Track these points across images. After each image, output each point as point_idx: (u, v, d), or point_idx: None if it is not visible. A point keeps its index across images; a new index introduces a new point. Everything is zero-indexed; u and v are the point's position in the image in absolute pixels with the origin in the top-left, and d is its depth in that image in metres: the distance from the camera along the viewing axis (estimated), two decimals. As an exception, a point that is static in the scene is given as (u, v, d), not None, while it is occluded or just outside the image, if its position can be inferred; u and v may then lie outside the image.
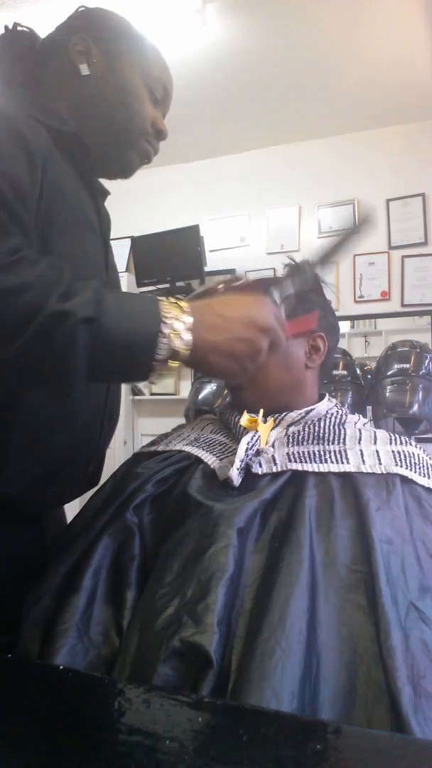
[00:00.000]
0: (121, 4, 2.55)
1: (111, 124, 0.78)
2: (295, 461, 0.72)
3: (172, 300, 0.61)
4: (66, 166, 0.72)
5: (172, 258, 3.20)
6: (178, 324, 0.59)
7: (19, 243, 0.59)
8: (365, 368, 2.62)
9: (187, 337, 0.59)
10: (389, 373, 2.36)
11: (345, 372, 2.45)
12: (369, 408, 2.45)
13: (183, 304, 0.61)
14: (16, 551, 0.75)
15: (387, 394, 2.33)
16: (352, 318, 3.29)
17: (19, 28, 0.82)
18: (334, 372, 2.46)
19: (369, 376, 2.53)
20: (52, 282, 0.56)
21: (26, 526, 0.77)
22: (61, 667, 0.52)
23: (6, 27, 0.81)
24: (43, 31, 0.85)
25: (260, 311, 0.64)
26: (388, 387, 2.34)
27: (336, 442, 0.75)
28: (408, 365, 2.32)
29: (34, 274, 0.56)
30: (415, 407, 2.29)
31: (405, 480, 0.69)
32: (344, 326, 3.30)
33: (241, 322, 0.62)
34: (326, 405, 0.85)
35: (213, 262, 3.31)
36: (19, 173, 0.63)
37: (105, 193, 0.87)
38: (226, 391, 0.92)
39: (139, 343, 0.58)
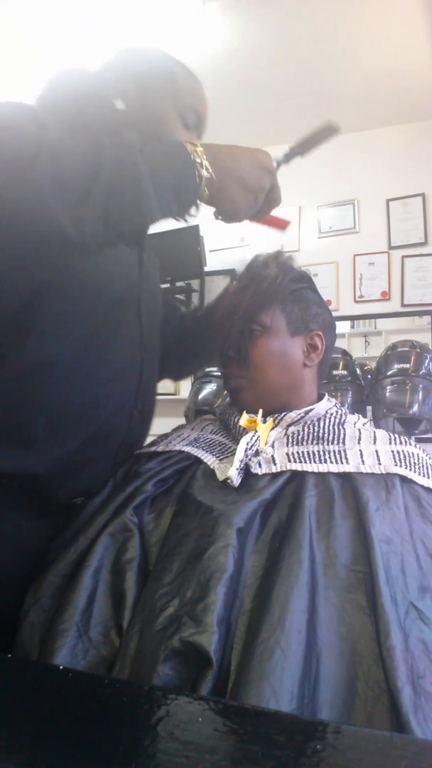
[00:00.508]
0: (121, 4, 2.56)
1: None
2: (295, 461, 0.72)
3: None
4: None
5: (172, 258, 3.20)
6: (199, 157, 0.67)
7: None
8: (365, 368, 2.62)
9: (209, 167, 0.67)
10: (389, 373, 2.36)
11: (345, 372, 2.46)
12: (369, 408, 2.45)
13: (197, 145, 0.68)
14: (44, 543, 0.76)
15: (387, 394, 2.33)
16: (352, 318, 3.30)
17: (69, 67, 0.89)
18: (334, 372, 2.46)
19: (369, 376, 2.53)
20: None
21: (56, 516, 0.79)
22: (61, 667, 0.52)
23: (56, 69, 0.89)
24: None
25: (264, 155, 0.73)
26: (388, 387, 2.34)
27: (335, 442, 0.75)
28: (408, 365, 2.33)
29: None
30: (415, 407, 2.29)
31: (404, 480, 0.69)
32: (344, 326, 3.30)
33: (247, 158, 0.72)
34: (325, 405, 0.85)
35: (213, 262, 3.31)
36: None
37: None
38: (225, 392, 0.92)
39: (179, 166, 0.65)
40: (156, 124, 0.82)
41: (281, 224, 0.86)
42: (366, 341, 3.41)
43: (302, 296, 0.88)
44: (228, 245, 3.46)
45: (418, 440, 1.88)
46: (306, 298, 0.89)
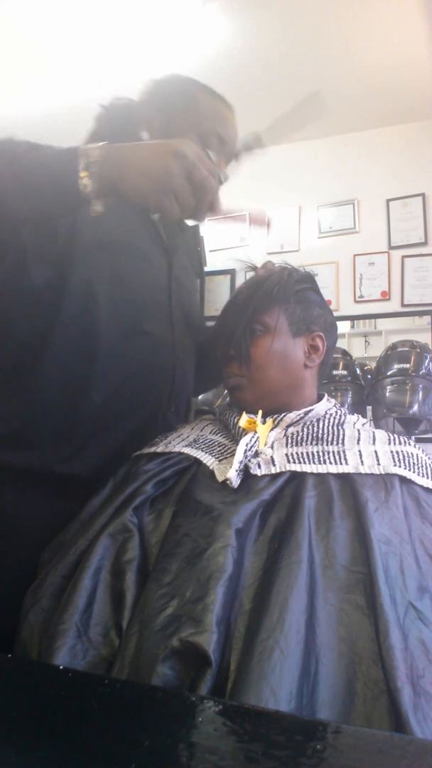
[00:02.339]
0: (122, 4, 2.56)
1: None
2: (294, 462, 0.72)
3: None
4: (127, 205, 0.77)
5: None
6: (92, 148, 0.66)
7: None
8: (365, 368, 2.62)
9: (99, 152, 0.65)
10: (389, 373, 2.36)
11: (345, 372, 2.46)
12: (369, 408, 2.45)
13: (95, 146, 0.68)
14: None
15: (387, 394, 2.34)
16: (352, 318, 3.29)
17: (115, 102, 0.98)
18: (334, 372, 2.46)
19: (369, 376, 2.53)
20: None
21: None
22: (61, 667, 0.52)
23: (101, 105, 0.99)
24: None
25: (178, 143, 0.67)
26: (388, 387, 2.34)
27: (335, 442, 0.75)
28: (408, 365, 2.33)
29: None
30: (415, 407, 2.29)
31: (404, 480, 0.69)
32: (344, 326, 3.30)
33: (152, 146, 0.69)
34: (325, 405, 0.85)
35: (213, 262, 3.31)
36: None
37: (182, 228, 1.03)
38: (226, 392, 0.93)
39: (55, 168, 0.67)
40: None
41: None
42: (366, 341, 3.41)
43: (305, 297, 0.89)
44: (228, 245, 3.45)
45: (418, 440, 1.88)
46: (309, 299, 0.89)
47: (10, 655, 0.58)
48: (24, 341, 0.85)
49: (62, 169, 0.65)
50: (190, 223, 1.03)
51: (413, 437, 2.20)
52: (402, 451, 0.74)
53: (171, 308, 0.96)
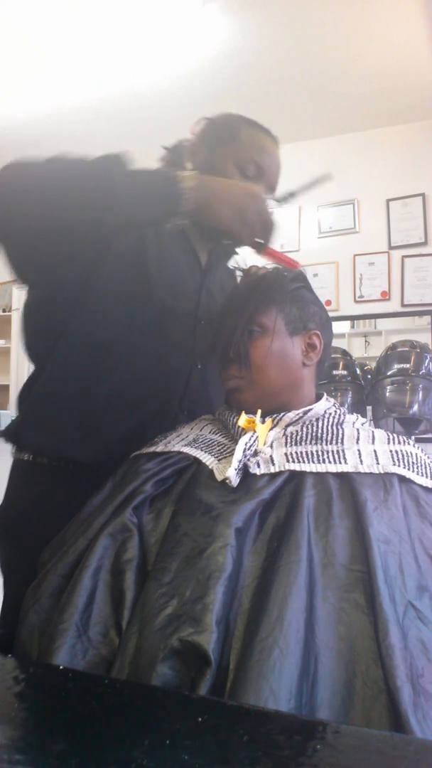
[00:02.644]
0: (122, 4, 2.56)
1: None
2: (293, 461, 0.72)
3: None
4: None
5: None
6: (187, 175, 0.79)
7: None
8: (365, 368, 2.62)
9: (192, 182, 0.78)
10: (389, 373, 2.36)
11: (345, 372, 2.46)
12: (369, 408, 2.45)
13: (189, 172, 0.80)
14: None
15: (387, 394, 2.34)
16: (352, 318, 3.29)
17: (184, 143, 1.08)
18: (334, 372, 2.46)
19: (369, 376, 2.53)
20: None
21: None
22: (60, 667, 0.52)
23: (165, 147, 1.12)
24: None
25: (253, 186, 0.87)
26: (388, 387, 2.34)
27: (334, 442, 0.75)
28: (408, 365, 2.33)
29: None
30: (415, 407, 2.29)
31: (403, 479, 0.69)
32: (344, 326, 3.30)
33: (237, 185, 0.85)
34: (324, 405, 0.85)
35: (213, 262, 3.31)
36: None
37: (227, 253, 1.13)
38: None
39: (157, 182, 0.80)
40: (213, 173, 0.94)
41: (290, 263, 0.93)
42: (366, 341, 3.41)
43: (299, 296, 0.89)
44: (228, 245, 3.45)
45: (418, 440, 1.88)
46: (303, 297, 0.89)
47: (10, 655, 0.58)
48: (50, 327, 0.95)
49: (168, 189, 0.79)
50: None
51: (413, 437, 2.20)
52: (401, 451, 0.74)
53: (197, 317, 1.02)
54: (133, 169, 0.81)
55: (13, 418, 1.01)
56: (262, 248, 0.86)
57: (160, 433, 0.91)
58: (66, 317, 0.93)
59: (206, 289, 1.05)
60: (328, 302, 3.29)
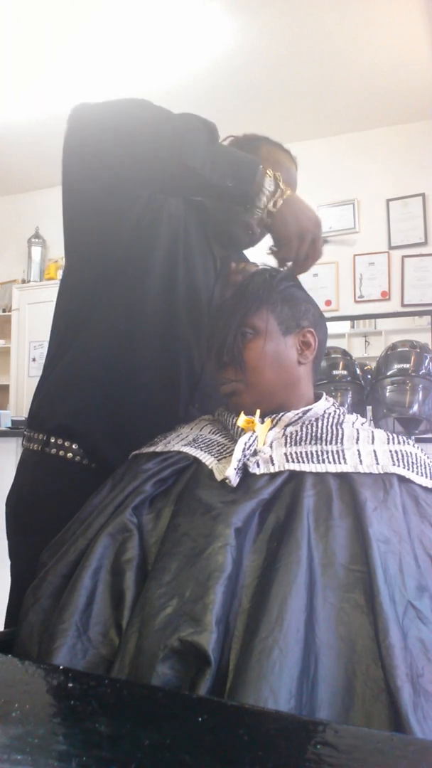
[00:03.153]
0: (122, 4, 2.56)
1: (222, 206, 1.03)
2: (293, 461, 0.72)
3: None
4: (196, 228, 1.04)
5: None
6: (272, 176, 0.84)
7: None
8: (365, 368, 2.62)
9: (282, 185, 0.85)
10: (389, 373, 2.36)
11: (345, 372, 2.46)
12: (369, 408, 2.45)
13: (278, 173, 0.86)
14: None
15: (387, 394, 2.34)
16: (352, 318, 3.30)
17: None
18: (334, 372, 2.46)
19: (369, 376, 2.53)
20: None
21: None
22: (61, 667, 0.52)
23: None
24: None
25: (318, 218, 0.91)
26: (388, 387, 2.34)
27: (334, 442, 0.75)
28: (408, 365, 2.33)
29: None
30: (415, 407, 2.29)
31: (402, 479, 0.69)
32: (344, 326, 3.30)
33: (310, 211, 0.90)
34: (323, 405, 0.85)
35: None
36: None
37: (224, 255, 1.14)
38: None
39: (245, 162, 0.84)
40: None
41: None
42: (366, 341, 3.41)
43: (290, 295, 0.89)
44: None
45: (418, 440, 1.88)
46: (294, 296, 0.89)
47: (10, 655, 0.58)
48: (70, 318, 1.01)
49: (251, 172, 0.83)
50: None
51: (413, 437, 2.20)
52: (401, 451, 0.74)
53: (208, 315, 1.04)
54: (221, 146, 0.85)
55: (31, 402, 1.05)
56: (302, 269, 0.92)
57: (172, 422, 0.94)
58: (92, 299, 0.98)
59: (220, 285, 1.08)
60: (328, 302, 3.29)
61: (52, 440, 0.97)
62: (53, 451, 0.97)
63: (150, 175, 0.86)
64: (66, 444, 0.97)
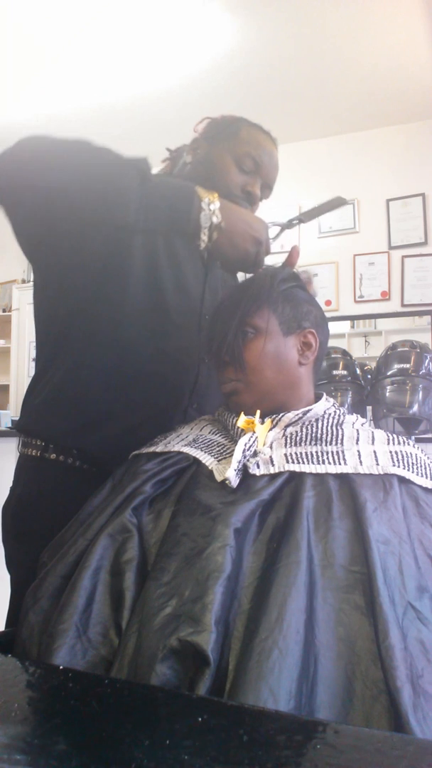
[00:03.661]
0: (122, 4, 2.56)
1: None
2: (293, 462, 0.72)
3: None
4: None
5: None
6: (212, 201, 0.82)
7: None
8: (365, 368, 2.62)
9: (219, 214, 0.82)
10: (389, 373, 2.36)
11: (345, 372, 2.46)
12: (369, 408, 2.45)
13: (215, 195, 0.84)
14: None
15: (387, 394, 2.34)
16: (352, 318, 3.30)
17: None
18: (334, 372, 2.46)
19: (369, 376, 2.53)
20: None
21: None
22: (61, 667, 0.52)
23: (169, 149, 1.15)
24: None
25: (261, 231, 0.89)
26: (388, 387, 2.34)
27: (334, 442, 0.75)
28: (408, 365, 2.33)
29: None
30: (415, 407, 2.29)
31: (402, 480, 0.69)
32: (344, 326, 3.30)
33: (254, 217, 0.90)
34: (324, 405, 0.85)
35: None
36: None
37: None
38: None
39: (179, 196, 0.82)
40: (210, 169, 1.02)
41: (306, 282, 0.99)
42: (366, 341, 3.41)
43: (292, 295, 0.89)
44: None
45: (418, 440, 1.88)
46: (296, 296, 0.89)
47: (10, 655, 0.58)
48: (61, 319, 0.99)
49: (186, 206, 0.81)
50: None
51: (413, 437, 2.20)
52: (401, 451, 0.74)
53: (201, 313, 1.04)
54: (158, 178, 0.84)
55: (22, 410, 1.03)
56: (253, 271, 0.93)
57: (170, 427, 0.93)
58: (77, 310, 0.96)
59: (209, 286, 1.07)
60: (328, 302, 3.29)
61: (51, 446, 0.96)
62: (53, 456, 0.96)
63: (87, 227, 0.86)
64: (65, 451, 0.96)
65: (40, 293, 1.03)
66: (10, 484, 1.02)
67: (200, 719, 0.39)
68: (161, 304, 0.98)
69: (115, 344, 0.96)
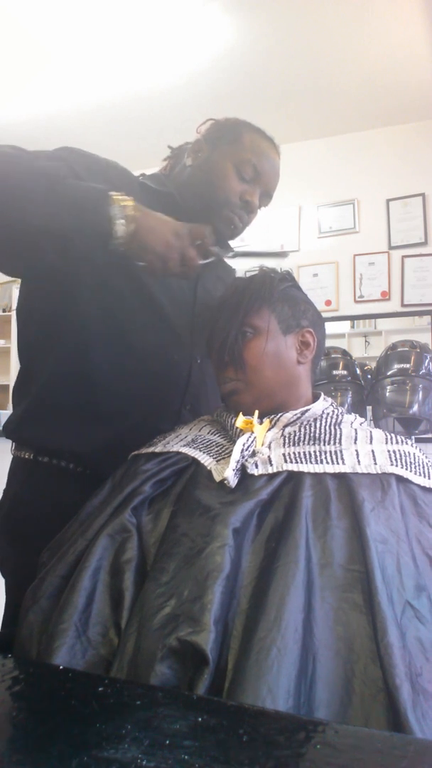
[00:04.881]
0: (122, 4, 2.56)
1: (200, 197, 1.00)
2: (291, 462, 0.72)
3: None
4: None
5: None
6: (126, 202, 0.79)
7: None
8: (365, 368, 2.62)
9: (132, 213, 0.79)
10: (389, 373, 2.36)
11: (345, 372, 2.46)
12: (369, 408, 2.45)
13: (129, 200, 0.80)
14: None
15: (387, 394, 2.34)
16: (352, 318, 3.29)
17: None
18: (334, 372, 2.46)
19: (369, 376, 2.53)
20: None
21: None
22: (60, 667, 0.52)
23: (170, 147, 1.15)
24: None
25: (178, 225, 0.85)
26: (388, 387, 2.34)
27: (332, 442, 0.75)
28: (408, 365, 2.33)
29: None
30: (415, 407, 2.29)
31: (400, 479, 0.69)
32: (344, 326, 3.30)
33: (166, 224, 0.84)
34: (322, 405, 0.85)
35: (213, 262, 3.31)
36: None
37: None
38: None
39: (92, 197, 0.79)
40: (210, 175, 0.99)
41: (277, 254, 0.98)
42: (366, 341, 3.41)
43: (289, 294, 0.89)
44: (228, 245, 3.45)
45: (418, 440, 1.88)
46: (293, 296, 0.90)
47: (9, 655, 0.58)
48: (39, 329, 0.97)
49: (99, 214, 0.78)
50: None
51: (413, 437, 2.20)
52: (399, 451, 0.74)
53: (194, 312, 1.03)
54: (70, 182, 0.81)
55: (11, 415, 1.01)
56: (188, 277, 0.89)
57: (164, 428, 0.92)
58: (62, 312, 0.94)
59: (201, 284, 1.06)
60: (328, 302, 3.29)
61: (44, 449, 0.96)
62: (45, 459, 0.95)
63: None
64: (58, 454, 0.95)
65: (24, 296, 1.01)
66: (4, 486, 1.01)
67: (200, 719, 0.39)
68: (152, 306, 0.96)
69: (104, 348, 0.94)
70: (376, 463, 0.70)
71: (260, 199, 1.03)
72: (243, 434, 0.76)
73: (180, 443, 0.82)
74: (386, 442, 0.76)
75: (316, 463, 0.71)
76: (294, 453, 0.74)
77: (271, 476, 0.70)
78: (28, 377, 0.99)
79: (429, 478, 0.72)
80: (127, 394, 0.95)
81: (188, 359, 1.03)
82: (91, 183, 0.84)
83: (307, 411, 0.82)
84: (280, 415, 0.81)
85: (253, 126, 1.05)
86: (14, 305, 4.67)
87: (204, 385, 1.07)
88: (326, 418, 0.81)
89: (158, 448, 0.82)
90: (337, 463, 0.71)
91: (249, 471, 0.71)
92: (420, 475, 0.71)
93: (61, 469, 0.95)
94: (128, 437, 0.90)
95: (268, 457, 0.74)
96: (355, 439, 0.76)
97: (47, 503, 0.93)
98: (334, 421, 0.81)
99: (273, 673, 0.48)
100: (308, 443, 0.76)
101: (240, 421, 0.78)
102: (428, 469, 0.74)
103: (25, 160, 0.83)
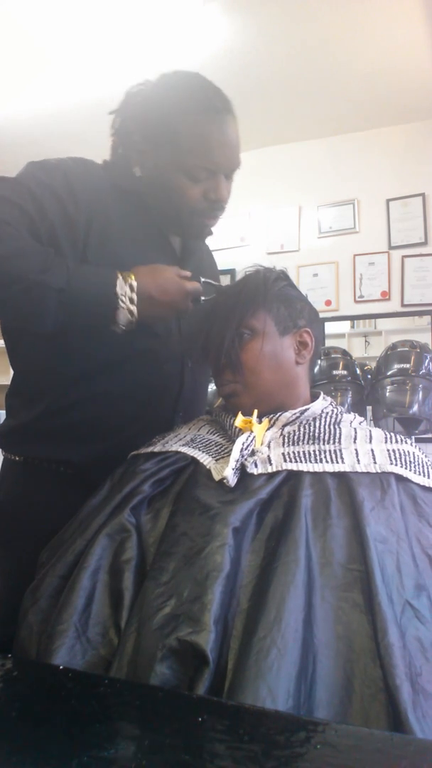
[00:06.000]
0: (121, 4, 2.55)
1: (167, 204, 0.94)
2: (291, 461, 0.72)
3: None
4: (132, 219, 0.94)
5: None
6: (129, 289, 0.81)
7: (11, 218, 0.81)
8: (365, 368, 2.62)
9: (137, 290, 0.81)
10: (389, 373, 2.36)
11: (345, 372, 2.46)
12: (369, 408, 2.45)
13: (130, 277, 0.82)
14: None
15: (387, 394, 2.34)
16: (352, 318, 3.29)
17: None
18: (334, 372, 2.46)
19: (369, 376, 2.53)
20: (34, 256, 0.78)
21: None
22: (60, 667, 0.52)
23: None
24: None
25: (181, 301, 0.87)
26: (388, 387, 2.34)
27: (331, 441, 0.75)
28: (408, 365, 2.33)
29: (18, 246, 0.78)
30: (415, 407, 2.29)
31: (400, 478, 0.69)
32: (344, 326, 3.30)
33: (164, 304, 0.85)
34: (321, 404, 0.85)
35: (213, 261, 3.31)
36: (49, 203, 0.86)
37: (194, 247, 1.08)
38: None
39: (99, 300, 0.80)
40: (164, 187, 0.92)
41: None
42: (366, 341, 3.40)
43: (286, 294, 0.89)
44: (228, 245, 3.45)
45: (418, 440, 1.88)
46: (289, 295, 0.89)
47: (9, 655, 0.58)
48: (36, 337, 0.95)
49: (104, 308, 0.81)
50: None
51: (413, 437, 2.20)
52: (398, 450, 0.74)
53: (179, 317, 0.99)
54: (71, 273, 0.79)
55: (3, 422, 1.01)
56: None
57: (157, 435, 0.91)
58: (58, 349, 0.92)
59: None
60: (328, 302, 3.28)
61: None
62: (37, 462, 0.95)
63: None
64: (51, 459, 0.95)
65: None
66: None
67: (200, 719, 0.39)
68: (144, 327, 0.92)
69: (93, 362, 0.93)
70: (375, 462, 0.70)
71: (228, 177, 0.94)
72: (242, 433, 0.76)
73: (179, 443, 0.82)
74: (386, 442, 0.76)
75: (316, 462, 0.71)
76: (293, 452, 0.74)
77: (271, 475, 0.70)
78: (25, 388, 0.99)
79: (429, 478, 0.72)
80: (125, 412, 0.95)
81: (180, 366, 1.02)
82: (91, 272, 0.84)
83: (306, 410, 0.82)
84: (279, 414, 0.81)
85: (187, 107, 0.89)
86: (14, 305, 4.66)
87: (198, 390, 1.07)
88: (325, 418, 0.81)
89: (157, 448, 0.82)
90: (337, 462, 0.71)
91: (248, 470, 0.71)
92: (419, 474, 0.71)
93: (53, 471, 0.94)
94: (122, 444, 0.90)
95: (268, 456, 0.74)
96: (355, 438, 0.76)
97: (39, 506, 0.93)
98: (333, 420, 0.81)
99: (273, 674, 0.48)
100: (307, 442, 0.76)
101: (239, 420, 0.78)
102: (428, 468, 0.74)
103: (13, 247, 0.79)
